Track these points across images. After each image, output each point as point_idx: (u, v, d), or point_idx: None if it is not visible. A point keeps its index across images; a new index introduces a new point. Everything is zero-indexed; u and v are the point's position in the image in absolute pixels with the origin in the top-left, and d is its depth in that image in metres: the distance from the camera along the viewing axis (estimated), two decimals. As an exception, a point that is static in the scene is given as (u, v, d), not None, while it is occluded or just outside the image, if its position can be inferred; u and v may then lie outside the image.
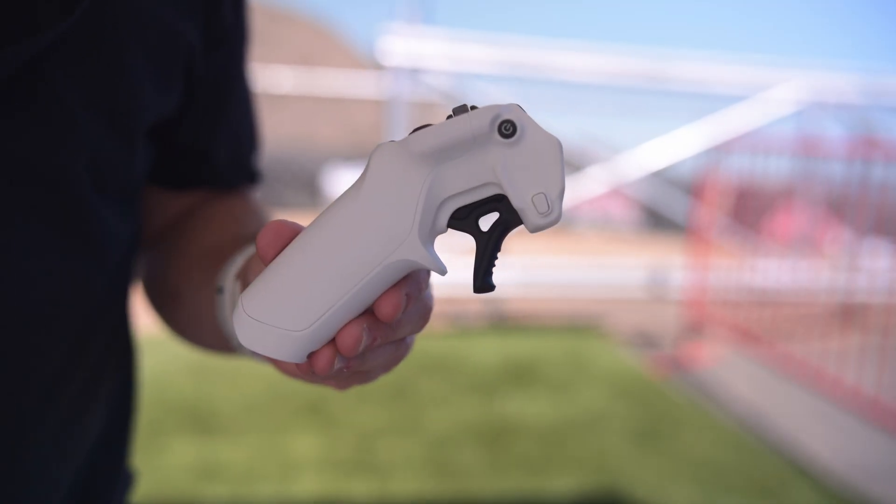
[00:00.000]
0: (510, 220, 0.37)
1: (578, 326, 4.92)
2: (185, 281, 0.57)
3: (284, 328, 0.36)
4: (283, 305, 0.36)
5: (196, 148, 0.60)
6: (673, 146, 5.35)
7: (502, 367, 3.82)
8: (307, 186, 13.81)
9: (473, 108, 0.36)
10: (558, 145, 0.36)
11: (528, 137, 0.36)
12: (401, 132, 5.05)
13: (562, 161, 0.36)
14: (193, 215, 0.62)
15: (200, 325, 0.56)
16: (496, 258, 0.37)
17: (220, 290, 0.49)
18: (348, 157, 15.10)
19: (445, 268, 0.37)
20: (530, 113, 0.37)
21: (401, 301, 0.36)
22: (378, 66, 5.42)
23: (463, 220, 0.37)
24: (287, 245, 0.37)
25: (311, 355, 0.37)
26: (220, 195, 0.64)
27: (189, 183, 0.62)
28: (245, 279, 0.44)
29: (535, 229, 0.37)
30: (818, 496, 2.49)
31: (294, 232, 0.37)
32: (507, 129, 0.36)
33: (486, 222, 0.38)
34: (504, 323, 4.89)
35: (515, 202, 0.36)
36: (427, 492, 2.40)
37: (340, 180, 13.62)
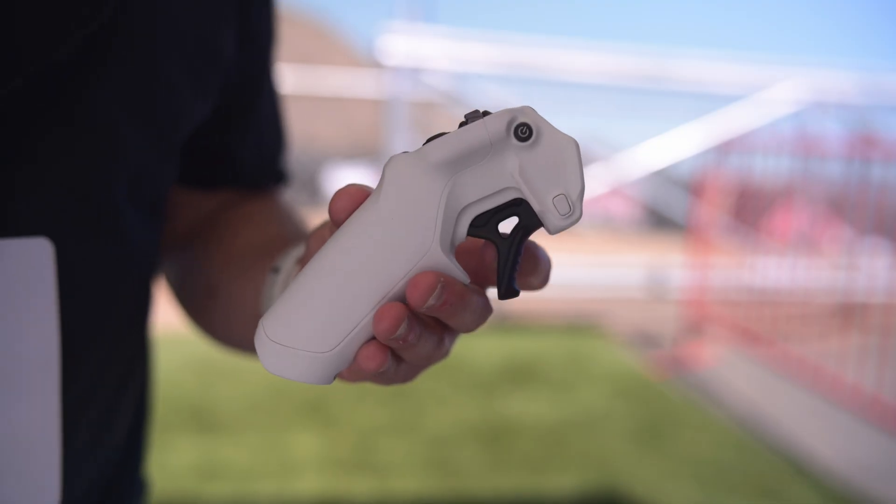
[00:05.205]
0: (530, 223, 0.36)
1: (578, 326, 4.92)
2: (224, 274, 0.56)
3: (309, 350, 0.35)
4: (307, 327, 0.35)
5: (221, 148, 0.60)
6: (673, 145, 5.36)
7: (502, 366, 3.82)
8: (307, 186, 13.83)
9: (486, 112, 0.36)
10: (575, 145, 0.36)
11: (544, 139, 0.36)
12: (401, 132, 5.05)
13: (580, 161, 0.36)
14: (227, 214, 0.61)
15: (237, 318, 0.55)
16: (518, 263, 0.37)
17: (275, 270, 0.47)
18: (348, 156, 15.12)
19: (467, 276, 0.36)
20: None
21: (434, 281, 0.34)
22: (378, 66, 5.42)
23: (482, 226, 0.37)
24: (356, 210, 0.36)
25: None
26: (249, 196, 0.63)
27: (214, 183, 0.62)
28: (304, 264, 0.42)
29: (556, 231, 0.36)
30: (818, 496, 2.50)
31: (365, 195, 0.36)
32: (524, 132, 0.35)
33: (504, 226, 0.37)
34: (504, 323, 4.90)
35: (536, 206, 0.36)
36: (427, 491, 2.40)
37: (340, 179, 13.64)
